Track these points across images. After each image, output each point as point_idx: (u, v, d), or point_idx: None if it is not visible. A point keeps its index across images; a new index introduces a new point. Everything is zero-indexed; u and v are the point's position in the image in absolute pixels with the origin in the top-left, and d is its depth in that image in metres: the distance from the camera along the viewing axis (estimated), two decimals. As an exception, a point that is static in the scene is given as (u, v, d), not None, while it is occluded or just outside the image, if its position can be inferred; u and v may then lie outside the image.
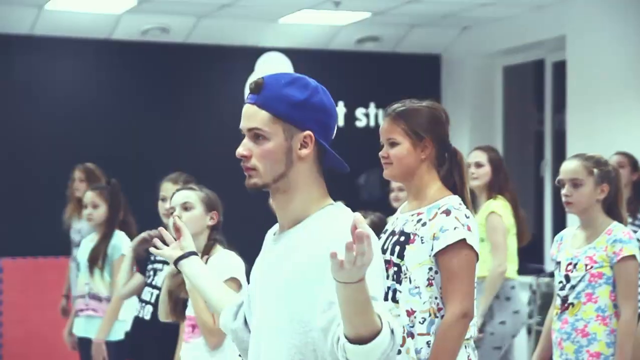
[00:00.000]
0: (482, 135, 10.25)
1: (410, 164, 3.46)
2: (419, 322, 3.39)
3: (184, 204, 4.38)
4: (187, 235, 2.83)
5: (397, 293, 3.41)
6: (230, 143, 3.13)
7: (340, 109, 10.16)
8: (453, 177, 3.51)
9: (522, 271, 9.54)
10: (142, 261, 5.19)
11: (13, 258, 9.21)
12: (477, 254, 3.38)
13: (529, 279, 9.24)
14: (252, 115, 2.48)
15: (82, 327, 6.18)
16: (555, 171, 9.49)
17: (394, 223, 3.55)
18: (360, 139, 9.85)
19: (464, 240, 3.32)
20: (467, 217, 3.38)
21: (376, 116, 10.31)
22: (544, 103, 9.74)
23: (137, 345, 5.27)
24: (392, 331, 2.21)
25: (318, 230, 2.44)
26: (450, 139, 3.58)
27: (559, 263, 4.43)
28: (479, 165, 5.94)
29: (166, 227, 3.02)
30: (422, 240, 3.39)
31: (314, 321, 2.36)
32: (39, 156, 9.40)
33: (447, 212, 3.38)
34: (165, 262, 4.99)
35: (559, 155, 9.25)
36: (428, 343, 3.38)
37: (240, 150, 2.49)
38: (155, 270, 5.12)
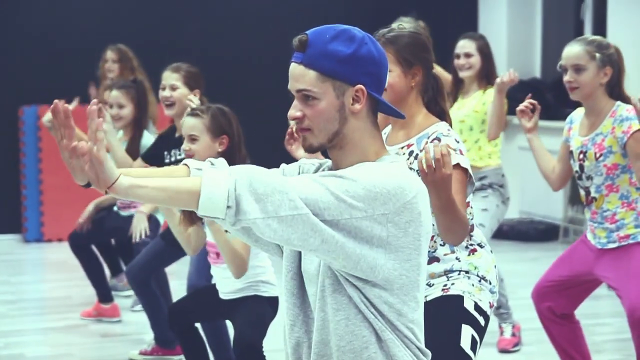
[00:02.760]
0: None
1: (401, 90, 3.37)
2: (440, 245, 3.38)
3: (190, 136, 4.29)
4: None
5: None
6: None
7: None
8: (439, 104, 3.43)
9: (559, 116, 9.52)
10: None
11: (50, 105, 9.24)
12: (470, 177, 3.31)
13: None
14: (300, 76, 2.39)
15: (127, 213, 6.24)
16: (596, 15, 9.32)
17: None
18: None
19: (457, 164, 3.26)
20: (457, 142, 3.31)
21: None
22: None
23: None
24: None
25: None
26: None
27: (571, 152, 4.41)
28: (468, 55, 5.86)
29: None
30: (418, 174, 3.31)
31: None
32: (80, 10, 9.36)
33: (438, 140, 3.31)
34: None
35: (600, -2, 9.05)
36: (458, 258, 3.38)
37: (292, 113, 2.41)
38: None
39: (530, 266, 8.12)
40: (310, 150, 2.46)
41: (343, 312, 2.37)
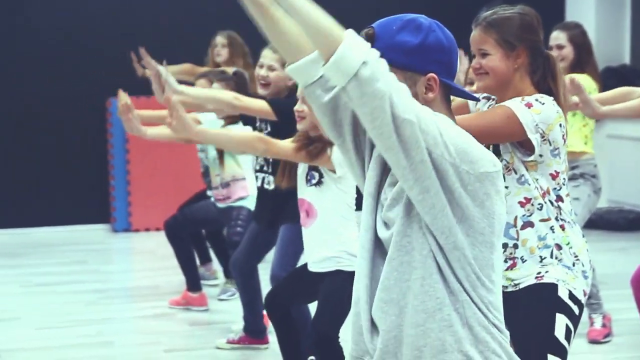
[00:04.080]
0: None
1: (504, 73, 3.32)
2: (537, 209, 3.31)
3: (270, 66, 4.30)
4: None
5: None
6: None
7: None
8: (547, 83, 3.38)
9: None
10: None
11: (137, 97, 9.36)
12: (521, 125, 3.24)
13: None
14: None
15: (223, 204, 6.29)
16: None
17: None
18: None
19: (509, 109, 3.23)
20: (536, 101, 3.28)
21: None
22: None
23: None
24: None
25: None
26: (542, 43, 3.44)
27: None
28: (560, 47, 5.75)
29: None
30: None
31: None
32: (166, 2, 9.46)
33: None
34: None
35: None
36: (552, 228, 3.32)
37: None
38: None
39: (619, 256, 7.99)
40: None
41: (419, 270, 2.35)
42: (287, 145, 4.21)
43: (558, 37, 5.82)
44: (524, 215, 3.31)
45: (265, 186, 5.26)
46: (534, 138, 3.24)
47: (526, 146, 3.28)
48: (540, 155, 3.27)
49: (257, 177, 5.32)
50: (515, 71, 3.35)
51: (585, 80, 5.54)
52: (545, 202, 3.31)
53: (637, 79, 9.60)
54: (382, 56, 2.31)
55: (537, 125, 3.24)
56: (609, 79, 9.66)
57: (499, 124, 3.23)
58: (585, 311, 5.76)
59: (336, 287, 4.21)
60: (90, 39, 9.36)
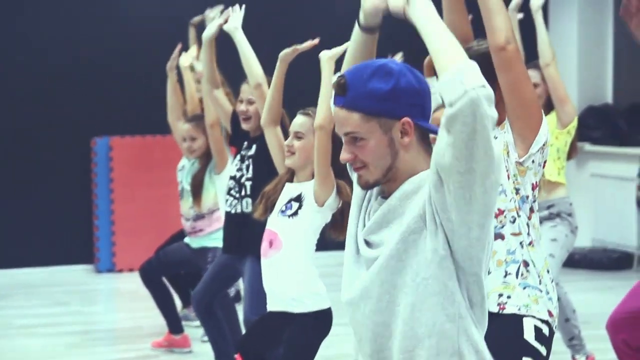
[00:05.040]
0: (592, 2, 9.96)
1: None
2: (510, 222, 3.30)
3: (296, 133, 4.31)
4: None
5: None
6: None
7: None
8: None
9: (632, 142, 9.40)
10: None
11: (122, 137, 9.37)
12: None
13: (639, 151, 9.06)
14: (344, 120, 2.40)
15: (195, 243, 6.28)
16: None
17: None
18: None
19: None
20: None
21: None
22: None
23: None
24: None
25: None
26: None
27: None
28: (534, 85, 5.78)
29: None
30: (494, 137, 3.29)
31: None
32: (146, 39, 9.47)
33: None
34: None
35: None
36: (522, 244, 3.31)
37: (344, 156, 2.43)
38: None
39: (603, 295, 7.98)
40: (366, 187, 2.47)
41: (410, 297, 2.37)
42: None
43: (532, 75, 5.85)
44: (495, 227, 3.29)
45: (232, 211, 5.24)
46: (542, 135, 3.26)
47: (521, 146, 3.28)
48: (532, 162, 3.28)
49: (226, 200, 5.30)
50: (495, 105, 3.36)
51: (553, 118, 5.61)
52: (519, 216, 3.30)
53: (619, 118, 9.66)
54: (356, 105, 2.36)
55: (545, 130, 3.28)
56: (591, 118, 9.72)
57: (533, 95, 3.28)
58: (569, 352, 5.76)
59: (300, 334, 4.20)
60: (75, 79, 9.37)
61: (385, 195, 2.48)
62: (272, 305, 4.33)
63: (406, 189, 2.40)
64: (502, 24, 3.20)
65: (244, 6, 4.96)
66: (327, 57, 4.15)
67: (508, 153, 3.28)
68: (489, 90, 2.20)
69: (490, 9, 3.22)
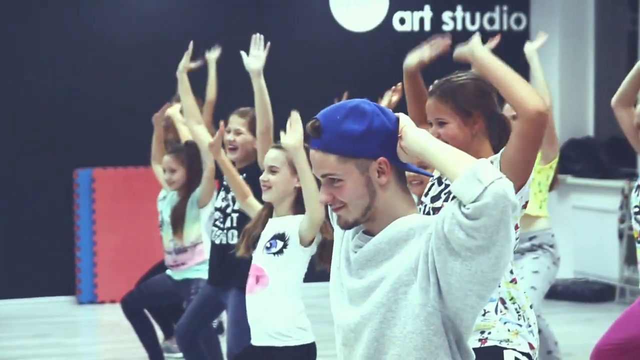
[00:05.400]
0: (573, 37, 10.03)
1: (462, 141, 3.35)
2: None
3: (271, 167, 4.32)
4: None
5: None
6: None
7: (427, 13, 10.04)
8: (504, 145, 3.38)
9: (613, 175, 9.45)
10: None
11: (104, 168, 9.36)
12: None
13: (620, 183, 9.10)
14: (321, 162, 2.41)
15: (177, 275, 6.26)
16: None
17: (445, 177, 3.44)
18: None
19: None
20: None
21: (463, 20, 10.14)
22: (638, 1, 9.44)
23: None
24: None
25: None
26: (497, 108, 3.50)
27: (639, 187, 4.37)
28: (515, 117, 5.85)
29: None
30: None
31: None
32: (128, 70, 9.49)
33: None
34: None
35: (653, 56, 8.99)
36: (499, 283, 3.32)
37: (323, 198, 2.44)
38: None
39: (585, 327, 8.00)
40: (346, 227, 2.47)
41: (397, 348, 2.37)
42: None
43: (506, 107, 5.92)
44: None
45: (217, 241, 5.24)
46: (526, 186, 3.27)
47: None
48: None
49: (212, 231, 5.30)
50: (473, 137, 3.38)
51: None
52: None
53: (600, 150, 9.71)
54: (331, 147, 2.38)
55: (530, 182, 3.30)
56: (573, 150, 9.77)
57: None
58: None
59: None
60: (57, 110, 9.36)
61: (367, 232, 2.48)
62: (256, 340, 4.32)
63: (394, 235, 2.40)
64: (524, 93, 3.19)
65: (269, 43, 4.85)
66: (293, 148, 4.02)
67: None
68: (507, 180, 2.22)
69: (507, 85, 3.21)
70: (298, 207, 4.30)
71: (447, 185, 3.40)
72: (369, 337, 2.40)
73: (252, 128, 5.20)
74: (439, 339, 2.34)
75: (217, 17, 9.61)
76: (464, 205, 2.21)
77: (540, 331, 5.54)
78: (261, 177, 4.32)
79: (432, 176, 2.58)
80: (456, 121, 3.36)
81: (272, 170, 4.31)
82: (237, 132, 5.23)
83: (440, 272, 2.28)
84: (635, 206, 4.38)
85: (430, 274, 2.31)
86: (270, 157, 4.36)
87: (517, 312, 3.34)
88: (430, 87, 3.44)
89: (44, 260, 9.39)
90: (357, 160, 2.39)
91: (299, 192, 4.30)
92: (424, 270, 2.32)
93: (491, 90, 3.43)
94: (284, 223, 4.28)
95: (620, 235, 8.98)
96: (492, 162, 3.23)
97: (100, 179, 9.35)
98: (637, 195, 4.39)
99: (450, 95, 3.37)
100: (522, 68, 11.13)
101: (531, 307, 3.41)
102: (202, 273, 5.97)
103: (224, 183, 5.26)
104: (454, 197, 2.26)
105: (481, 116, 3.39)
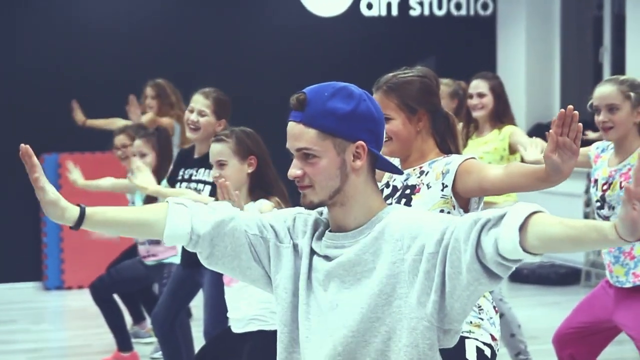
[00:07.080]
0: (539, 21, 10.07)
1: (406, 138, 3.37)
2: None
3: (218, 162, 4.31)
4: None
5: None
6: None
7: (394, -2, 10.06)
8: (447, 145, 3.43)
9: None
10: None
11: (71, 153, 9.31)
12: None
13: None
14: (299, 135, 2.39)
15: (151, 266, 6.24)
16: (615, 58, 9.32)
17: (393, 179, 3.45)
18: (414, 28, 9.75)
19: (471, 157, 3.30)
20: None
21: (430, 5, 10.15)
22: (603, -12, 9.50)
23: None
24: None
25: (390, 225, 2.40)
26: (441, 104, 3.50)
27: (596, 181, 4.41)
28: (481, 95, 5.93)
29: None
30: (428, 186, 3.30)
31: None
32: (96, 54, 9.44)
33: (447, 156, 3.36)
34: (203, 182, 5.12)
35: (618, 42, 9.05)
36: None
37: (293, 172, 2.41)
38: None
39: (551, 311, 8.06)
40: (310, 207, 2.44)
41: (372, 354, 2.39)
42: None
43: (479, 85, 5.96)
44: None
45: None
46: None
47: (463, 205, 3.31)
48: (476, 208, 3.36)
49: None
50: (417, 134, 3.39)
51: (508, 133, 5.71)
52: None
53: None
54: (314, 121, 2.37)
55: None
56: (540, 135, 9.79)
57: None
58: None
59: (260, 350, 4.17)
60: (21, 95, 9.30)
61: (336, 227, 2.46)
62: (235, 328, 4.32)
63: (378, 243, 2.38)
64: (533, 185, 3.20)
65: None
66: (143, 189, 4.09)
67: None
68: None
69: (519, 188, 3.25)
70: (255, 192, 4.31)
71: (394, 188, 3.41)
72: (351, 339, 2.38)
73: (215, 110, 5.21)
74: (433, 354, 2.35)
75: (189, 0, 9.56)
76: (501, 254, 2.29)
77: (502, 315, 5.59)
78: (212, 174, 4.32)
79: (402, 173, 2.58)
80: (401, 117, 3.37)
81: (221, 164, 4.31)
82: (201, 114, 5.24)
83: (449, 295, 2.29)
84: (597, 200, 4.41)
85: (433, 293, 2.30)
86: (215, 152, 4.34)
87: (479, 307, 3.38)
88: (376, 81, 3.43)
89: (9, 246, 9.34)
90: (336, 139, 2.38)
91: (252, 177, 4.32)
92: (424, 286, 2.31)
93: (437, 88, 3.46)
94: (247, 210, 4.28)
95: (586, 219, 9.05)
96: (448, 170, 3.27)
97: (66, 164, 9.28)
98: (596, 190, 4.42)
99: (396, 91, 3.37)
100: (488, 53, 11.25)
101: (492, 302, 3.45)
102: (175, 258, 5.97)
103: (187, 171, 5.26)
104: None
105: (426, 114, 3.40)
